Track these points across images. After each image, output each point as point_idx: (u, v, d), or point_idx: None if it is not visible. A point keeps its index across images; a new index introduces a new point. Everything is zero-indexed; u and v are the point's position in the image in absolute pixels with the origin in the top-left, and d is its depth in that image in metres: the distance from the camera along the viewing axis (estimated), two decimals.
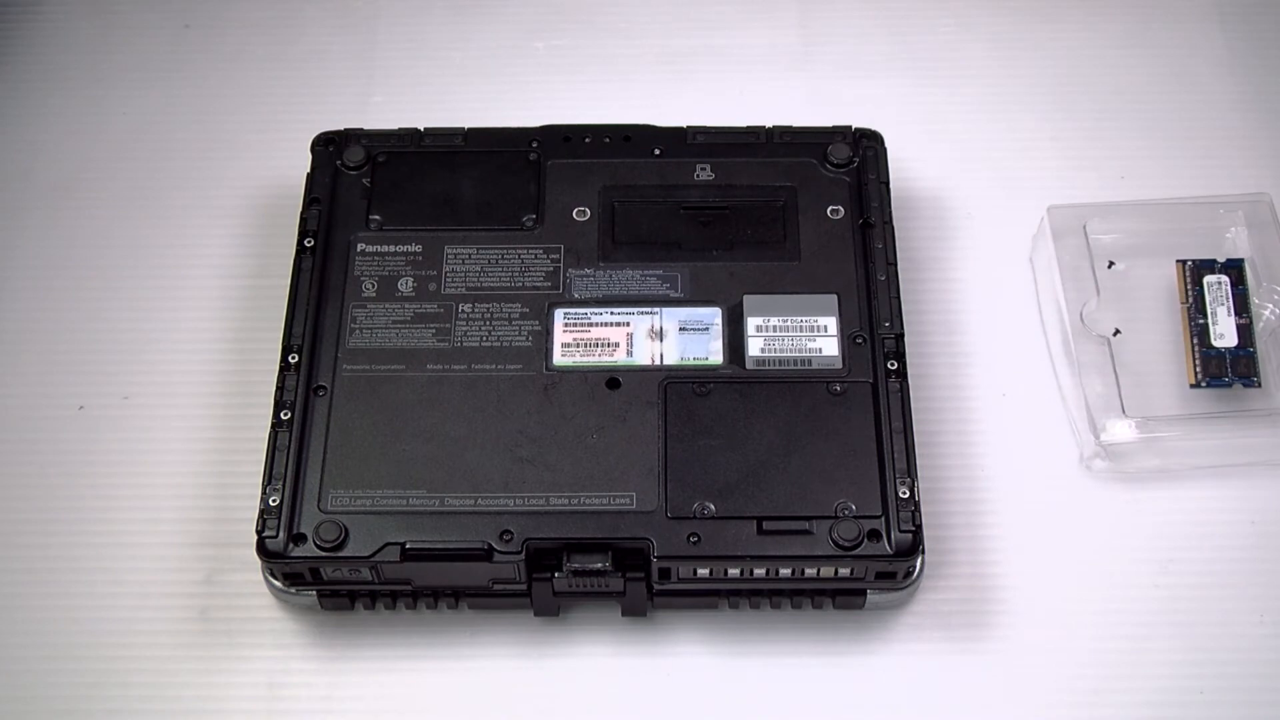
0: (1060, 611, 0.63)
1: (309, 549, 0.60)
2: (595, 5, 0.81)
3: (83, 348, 0.70)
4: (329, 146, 0.70)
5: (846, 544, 0.59)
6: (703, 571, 0.60)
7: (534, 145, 0.70)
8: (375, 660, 0.63)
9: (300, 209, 0.68)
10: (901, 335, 0.65)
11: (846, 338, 0.65)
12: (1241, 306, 0.68)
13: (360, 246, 0.67)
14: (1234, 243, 0.70)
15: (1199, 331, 0.68)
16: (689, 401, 0.63)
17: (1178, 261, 0.69)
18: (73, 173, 0.75)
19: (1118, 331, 0.68)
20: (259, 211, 0.74)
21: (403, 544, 0.60)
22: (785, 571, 0.60)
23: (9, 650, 0.63)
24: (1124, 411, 0.65)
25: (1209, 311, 0.68)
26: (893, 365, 0.64)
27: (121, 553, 0.65)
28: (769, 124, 0.70)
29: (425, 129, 0.71)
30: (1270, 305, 0.68)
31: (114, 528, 0.65)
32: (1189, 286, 0.69)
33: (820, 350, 0.64)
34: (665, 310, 0.66)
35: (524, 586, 0.61)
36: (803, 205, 0.68)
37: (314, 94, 0.78)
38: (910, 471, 0.61)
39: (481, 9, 0.81)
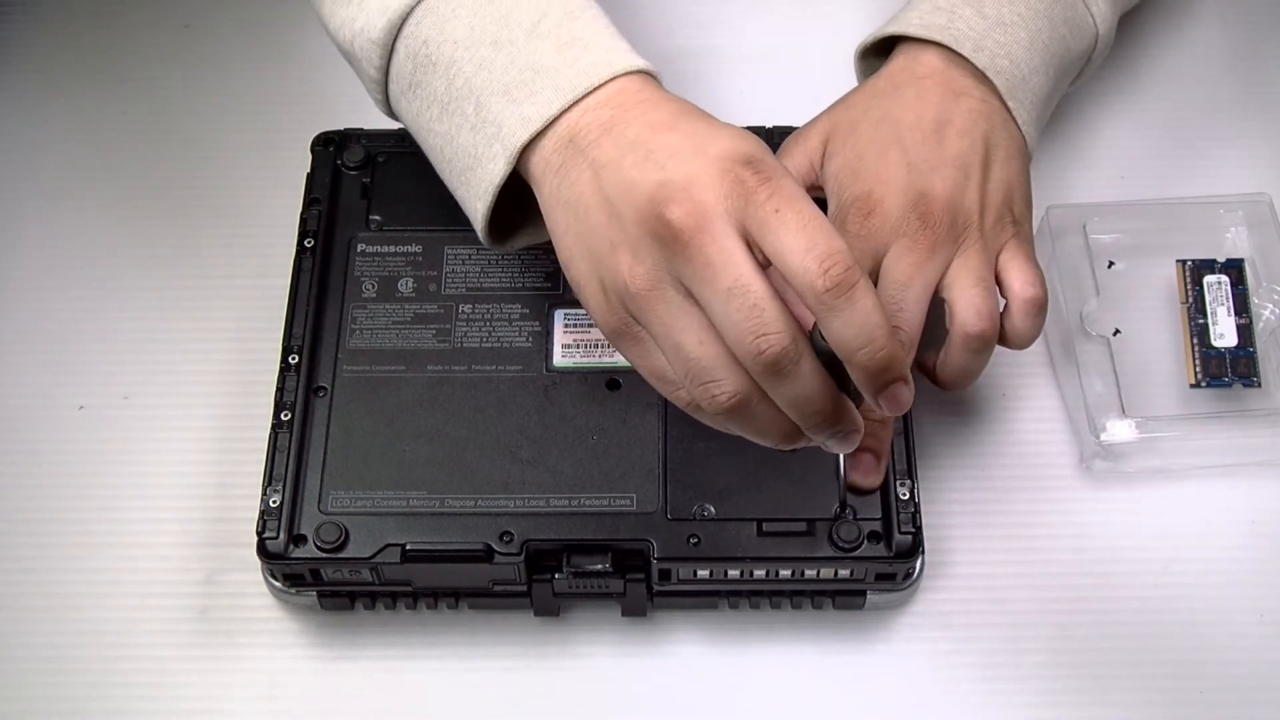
0: (1060, 611, 0.63)
1: (309, 550, 0.60)
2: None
3: (83, 348, 0.70)
4: (329, 146, 0.70)
5: (846, 545, 0.59)
6: (703, 573, 0.60)
7: None
8: (375, 660, 0.63)
9: (300, 209, 0.68)
10: None
11: None
12: (1241, 306, 0.68)
13: (360, 247, 0.67)
14: (1234, 243, 0.70)
15: (1199, 331, 0.68)
16: None
17: (1177, 261, 0.69)
18: (73, 173, 0.75)
19: (1118, 331, 0.68)
20: (259, 211, 0.73)
21: (403, 545, 0.60)
22: (785, 573, 0.60)
23: (9, 650, 0.63)
24: (1124, 411, 0.65)
25: (1209, 311, 0.68)
26: None
27: (121, 553, 0.65)
28: (769, 124, 0.70)
29: None
30: (1270, 305, 0.68)
31: (114, 528, 0.66)
32: (1189, 286, 0.69)
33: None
34: None
35: (524, 587, 0.61)
36: None
37: (314, 94, 0.78)
38: (910, 472, 0.61)
39: None
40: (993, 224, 0.62)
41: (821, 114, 0.67)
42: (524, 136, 0.56)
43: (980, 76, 0.64)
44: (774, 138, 0.70)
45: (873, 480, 0.60)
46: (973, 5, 0.65)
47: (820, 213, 0.50)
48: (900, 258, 0.61)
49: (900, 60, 0.66)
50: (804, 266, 0.49)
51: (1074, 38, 0.67)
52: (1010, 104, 0.64)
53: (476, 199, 0.58)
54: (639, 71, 0.56)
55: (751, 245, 0.51)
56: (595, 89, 0.55)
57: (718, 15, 0.81)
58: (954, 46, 0.64)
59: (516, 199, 0.60)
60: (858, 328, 0.50)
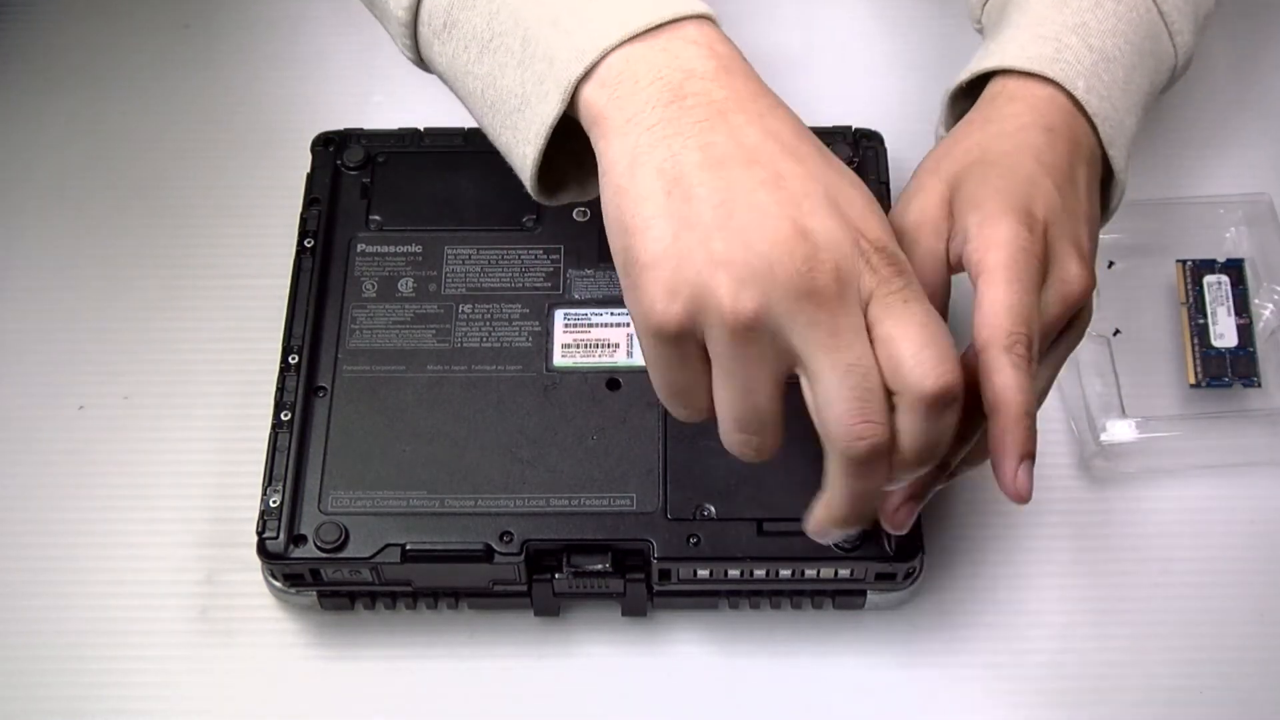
0: (1060, 611, 0.63)
1: (309, 550, 0.60)
2: None
3: (83, 348, 0.70)
4: (329, 146, 0.70)
5: (846, 545, 0.59)
6: (703, 572, 0.60)
7: None
8: (375, 660, 0.63)
9: (300, 209, 0.68)
10: None
11: None
12: (1241, 306, 0.68)
13: (360, 247, 0.67)
14: (1234, 242, 0.70)
15: (1199, 331, 0.68)
16: None
17: (1177, 261, 0.69)
18: (73, 173, 0.75)
19: (1118, 331, 0.68)
20: (259, 211, 0.73)
21: (403, 545, 0.60)
22: (785, 572, 0.60)
23: (9, 650, 0.63)
24: (1124, 412, 0.65)
25: (1209, 311, 0.68)
26: None
27: (121, 553, 0.65)
28: None
29: (425, 129, 0.71)
30: (1270, 305, 0.68)
31: (114, 528, 0.66)
32: (1189, 286, 0.69)
33: None
34: None
35: (524, 587, 0.61)
36: None
37: (314, 94, 0.78)
38: None
39: None
40: None
41: (929, 171, 0.57)
42: (578, 70, 0.50)
43: (1085, 119, 0.57)
44: None
45: (901, 525, 0.55)
46: (1079, 34, 0.58)
47: (941, 319, 0.49)
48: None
49: (1012, 103, 0.57)
50: (918, 359, 0.48)
51: (1157, 72, 0.61)
52: (1110, 152, 0.58)
53: (526, 144, 0.53)
54: (704, 17, 0.52)
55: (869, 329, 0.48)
56: (662, 25, 0.51)
57: (717, 15, 0.81)
58: (1064, 84, 0.57)
59: (559, 146, 0.54)
60: (930, 441, 0.49)
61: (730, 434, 0.51)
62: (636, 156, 0.49)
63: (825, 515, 0.52)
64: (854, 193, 0.50)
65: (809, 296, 0.47)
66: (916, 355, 0.48)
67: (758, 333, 0.48)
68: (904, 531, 0.56)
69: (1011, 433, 0.51)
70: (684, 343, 0.49)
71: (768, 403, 0.49)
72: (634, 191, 0.49)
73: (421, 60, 0.57)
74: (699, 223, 0.48)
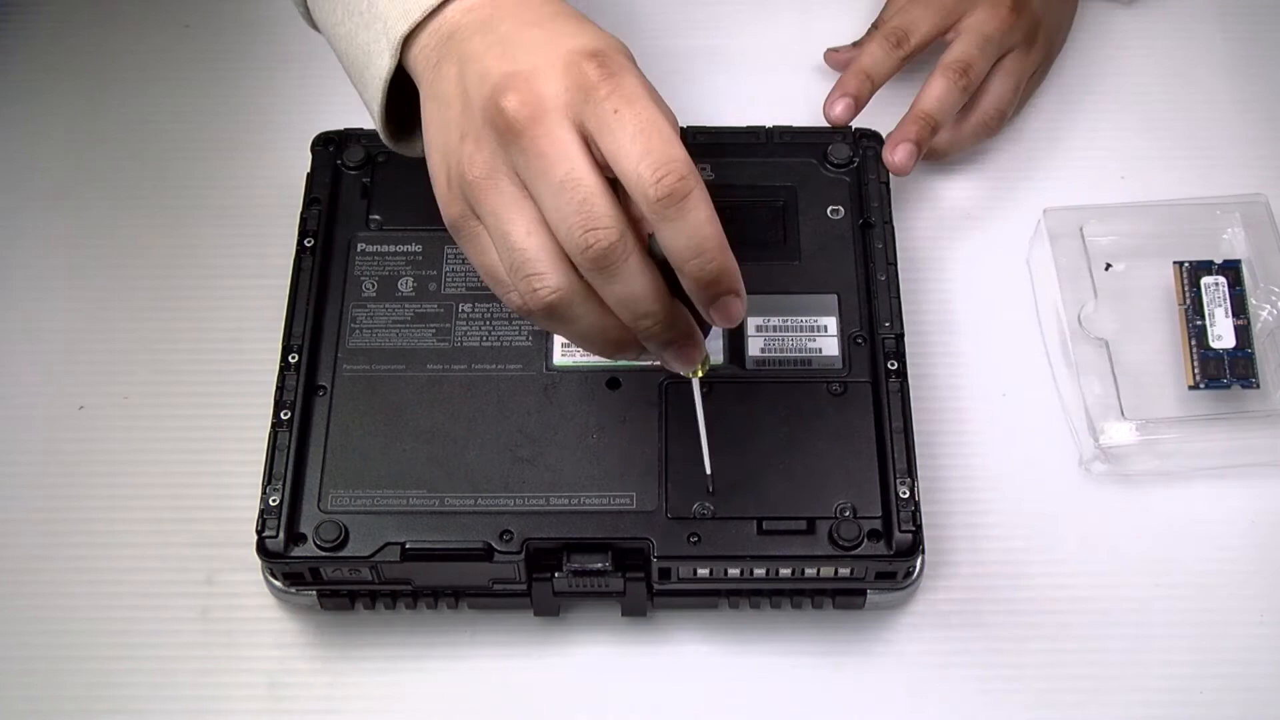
0: (1060, 612, 0.63)
1: (309, 549, 0.60)
2: (595, 5, 0.81)
3: (83, 348, 0.70)
4: (329, 146, 0.70)
5: (846, 544, 0.59)
6: (703, 571, 0.60)
7: None
8: (375, 660, 0.63)
9: (300, 209, 0.68)
10: (901, 335, 0.65)
11: (846, 338, 0.65)
12: (1239, 308, 0.68)
13: (360, 246, 0.67)
14: (1231, 244, 0.71)
15: (1197, 333, 0.68)
16: (689, 401, 0.63)
17: (1175, 263, 0.69)
18: (73, 173, 0.75)
19: (1116, 334, 0.68)
20: (259, 211, 0.74)
21: (403, 544, 0.60)
22: (785, 571, 0.60)
23: (9, 650, 0.63)
24: (1123, 414, 0.65)
25: (1206, 313, 0.68)
26: (893, 365, 0.64)
27: (121, 553, 0.65)
28: (769, 124, 0.70)
29: None
30: (1267, 306, 0.68)
31: (114, 528, 0.66)
32: (1186, 288, 0.69)
33: (820, 350, 0.64)
34: None
35: (524, 586, 0.61)
36: (803, 205, 0.68)
37: (314, 94, 0.78)
38: (910, 471, 0.61)
39: None
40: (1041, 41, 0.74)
41: None
42: (404, 28, 0.55)
43: None
44: (774, 138, 0.70)
45: (842, 114, 0.71)
46: None
47: (661, 116, 0.50)
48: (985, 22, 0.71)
49: None
50: (637, 173, 0.49)
51: None
52: None
53: (372, 99, 0.58)
54: None
55: (590, 144, 0.50)
56: None
57: (718, 15, 0.81)
58: None
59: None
60: (688, 238, 0.50)
61: (520, 285, 0.52)
62: (425, 95, 0.55)
63: (602, 339, 0.54)
64: (586, 31, 0.52)
65: (507, 129, 0.50)
66: (635, 169, 0.49)
67: (493, 180, 0.51)
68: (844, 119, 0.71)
69: (906, 124, 0.69)
70: (472, 228, 0.53)
71: (525, 238, 0.51)
72: (424, 125, 0.55)
73: (312, 21, 0.62)
74: (451, 120, 0.53)
